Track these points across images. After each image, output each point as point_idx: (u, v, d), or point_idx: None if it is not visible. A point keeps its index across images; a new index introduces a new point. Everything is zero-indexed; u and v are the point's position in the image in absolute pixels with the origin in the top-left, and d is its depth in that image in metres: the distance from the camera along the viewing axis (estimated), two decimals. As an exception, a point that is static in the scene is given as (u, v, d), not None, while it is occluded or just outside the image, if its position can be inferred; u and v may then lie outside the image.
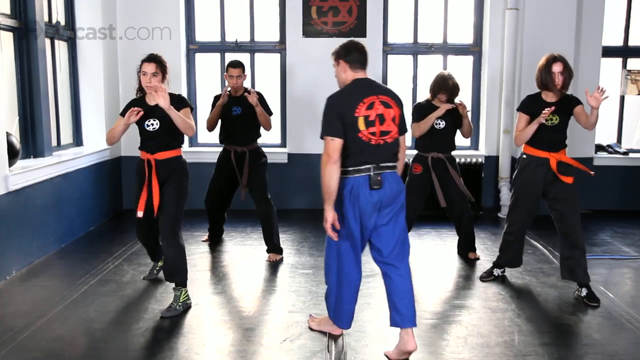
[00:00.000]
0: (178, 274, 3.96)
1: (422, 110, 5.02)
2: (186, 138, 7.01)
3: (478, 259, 5.10)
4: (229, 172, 5.21)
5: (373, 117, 3.21)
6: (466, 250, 5.18)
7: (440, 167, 4.99)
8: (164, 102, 3.73)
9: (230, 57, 7.05)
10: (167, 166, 3.97)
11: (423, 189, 5.04)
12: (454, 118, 5.00)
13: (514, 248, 4.50)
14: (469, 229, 5.12)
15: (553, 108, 4.01)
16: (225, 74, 5.16)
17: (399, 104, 3.37)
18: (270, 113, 5.18)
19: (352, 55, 3.49)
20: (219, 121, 5.23)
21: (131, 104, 4.04)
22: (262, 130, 5.25)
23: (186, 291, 4.00)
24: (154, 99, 3.85)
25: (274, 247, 5.15)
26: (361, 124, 3.18)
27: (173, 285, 4.02)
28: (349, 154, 3.19)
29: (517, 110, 4.33)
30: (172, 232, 3.91)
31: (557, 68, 4.01)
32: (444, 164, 4.97)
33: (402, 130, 3.38)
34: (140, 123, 3.96)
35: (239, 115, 5.12)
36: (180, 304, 3.93)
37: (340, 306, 3.48)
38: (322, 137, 3.20)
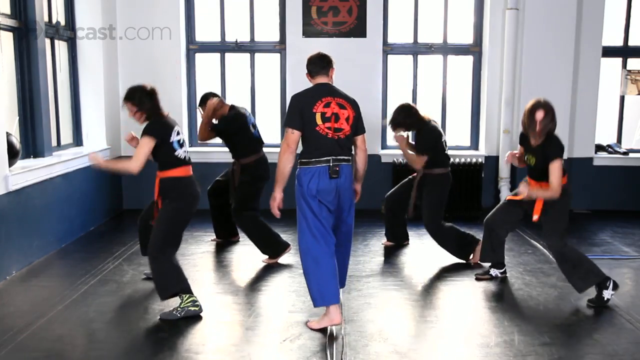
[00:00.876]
0: (158, 289, 3.91)
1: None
2: (187, 138, 7.03)
3: (476, 262, 5.03)
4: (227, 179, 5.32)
5: (329, 114, 3.68)
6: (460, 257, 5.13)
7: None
8: (97, 163, 3.96)
9: (230, 57, 7.10)
10: (160, 185, 3.96)
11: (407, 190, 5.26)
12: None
13: (485, 242, 4.59)
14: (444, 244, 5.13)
15: (516, 153, 4.37)
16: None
17: (355, 107, 3.82)
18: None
19: (312, 65, 3.94)
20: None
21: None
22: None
23: (188, 298, 3.89)
24: None
25: (264, 251, 5.12)
26: (318, 119, 3.66)
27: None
28: (312, 147, 3.68)
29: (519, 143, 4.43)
30: (150, 252, 3.89)
31: (539, 115, 4.02)
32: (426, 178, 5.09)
33: (358, 130, 3.86)
34: None
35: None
36: (179, 309, 3.87)
37: (325, 283, 3.68)
38: (284, 128, 3.71)
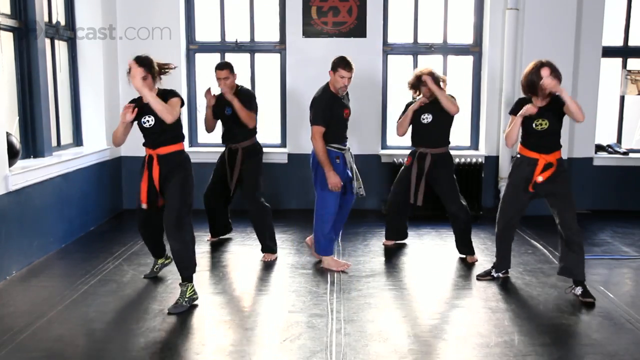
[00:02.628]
0: (183, 268, 4.02)
1: (405, 107, 5.15)
2: (186, 137, 7.03)
3: (476, 260, 5.05)
4: (223, 168, 5.30)
5: None
6: (462, 251, 5.14)
7: (424, 163, 5.00)
8: (135, 83, 3.82)
9: (230, 57, 7.09)
10: (169, 161, 4.01)
11: (408, 181, 5.10)
12: (443, 112, 4.94)
13: (503, 249, 4.55)
14: (461, 232, 5.08)
15: (535, 109, 4.09)
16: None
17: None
18: (251, 109, 5.17)
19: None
20: (220, 122, 5.30)
21: (130, 102, 4.09)
22: (260, 125, 5.36)
23: (192, 286, 4.04)
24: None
25: (266, 247, 5.15)
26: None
27: (176, 283, 4.05)
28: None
29: (508, 113, 4.39)
30: (175, 225, 3.93)
31: (545, 72, 4.02)
32: (430, 159, 4.98)
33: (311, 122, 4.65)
34: (138, 120, 4.04)
35: (231, 115, 5.16)
36: (186, 299, 3.97)
37: (330, 238, 4.84)
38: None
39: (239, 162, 5.16)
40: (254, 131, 5.26)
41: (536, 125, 4.14)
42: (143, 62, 3.93)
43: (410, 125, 5.11)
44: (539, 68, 4.04)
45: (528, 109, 4.09)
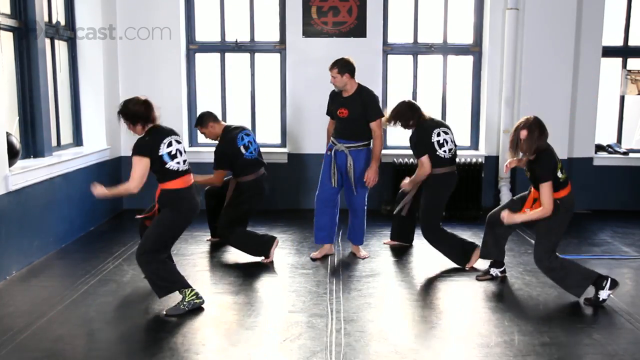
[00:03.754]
0: (154, 288, 3.97)
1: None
2: (186, 137, 7.04)
3: (470, 267, 4.93)
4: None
5: None
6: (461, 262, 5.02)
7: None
8: (97, 194, 3.98)
9: (230, 57, 7.10)
10: (159, 196, 3.98)
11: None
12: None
13: (487, 239, 4.59)
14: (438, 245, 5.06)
15: (506, 168, 4.46)
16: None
17: None
18: (217, 167, 5.15)
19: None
20: None
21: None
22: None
23: (190, 292, 3.96)
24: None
25: (257, 254, 5.10)
26: None
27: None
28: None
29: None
30: (137, 258, 3.94)
31: (522, 134, 4.04)
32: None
33: None
34: None
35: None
36: (184, 303, 3.94)
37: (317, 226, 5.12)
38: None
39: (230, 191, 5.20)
40: (235, 173, 5.18)
41: (524, 171, 4.25)
42: (120, 114, 3.95)
43: None
44: (520, 129, 4.05)
45: (506, 169, 4.50)
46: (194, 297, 3.97)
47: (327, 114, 5.17)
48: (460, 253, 4.92)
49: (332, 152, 5.00)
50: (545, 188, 3.97)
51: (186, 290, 3.96)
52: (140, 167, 3.83)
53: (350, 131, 4.94)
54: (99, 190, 3.97)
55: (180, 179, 3.94)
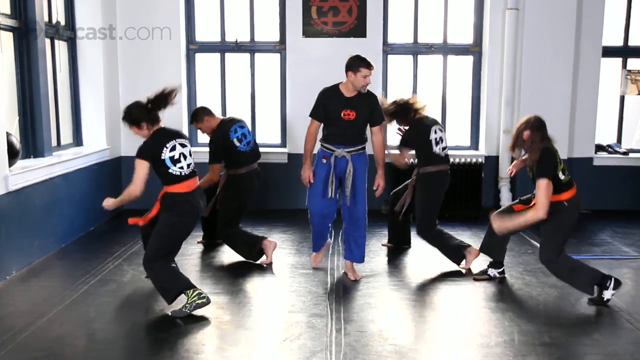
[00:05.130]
0: (162, 294, 3.96)
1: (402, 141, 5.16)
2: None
3: (467, 267, 4.92)
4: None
5: None
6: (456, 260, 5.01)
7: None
8: (107, 205, 4.07)
9: (230, 57, 7.10)
10: (161, 199, 3.99)
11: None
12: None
13: (489, 236, 4.57)
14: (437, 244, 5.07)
15: (511, 171, 4.64)
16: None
17: None
18: (213, 161, 5.12)
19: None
20: None
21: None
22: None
23: (192, 293, 3.92)
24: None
25: (254, 258, 5.07)
26: None
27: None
28: None
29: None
30: (144, 263, 3.96)
31: (525, 135, 4.05)
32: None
33: None
34: None
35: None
36: (187, 306, 3.91)
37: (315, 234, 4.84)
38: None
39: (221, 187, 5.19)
40: (229, 163, 5.17)
41: (528, 171, 4.22)
42: (124, 118, 3.97)
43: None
44: (522, 130, 4.05)
45: (510, 171, 4.65)
46: (195, 297, 3.92)
47: (315, 115, 4.61)
48: (456, 249, 4.92)
49: (330, 159, 4.54)
50: (542, 185, 3.91)
51: (189, 291, 3.94)
52: (141, 170, 3.86)
53: (352, 135, 4.52)
54: (109, 202, 4.02)
55: (183, 183, 3.93)
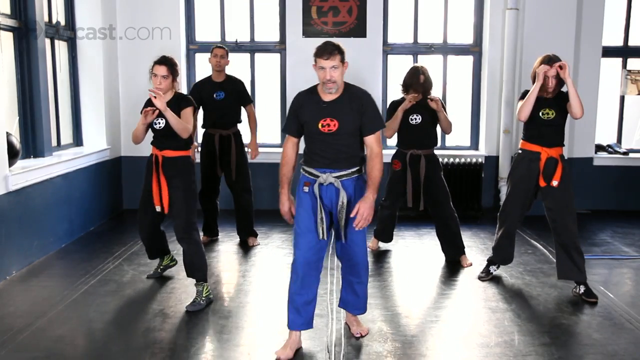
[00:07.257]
0: (197, 270, 4.09)
1: (394, 107, 4.97)
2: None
3: (470, 265, 4.94)
4: (213, 157, 5.38)
5: None
6: (455, 254, 5.03)
7: (418, 166, 4.90)
8: (159, 104, 3.88)
9: (230, 57, 7.07)
10: (173, 164, 4.07)
11: (403, 186, 4.98)
12: (431, 113, 4.87)
13: (505, 244, 4.51)
14: (454, 234, 4.99)
15: (549, 68, 4.06)
16: (210, 55, 5.46)
17: None
18: (249, 102, 5.54)
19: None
20: (201, 107, 5.40)
21: (146, 104, 4.18)
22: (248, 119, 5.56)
23: (208, 286, 4.11)
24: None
25: (252, 232, 5.52)
26: None
27: (176, 283, 4.13)
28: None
29: (519, 100, 4.32)
30: (185, 230, 4.05)
31: (551, 72, 4.04)
32: (424, 161, 4.88)
33: None
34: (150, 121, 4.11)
35: (224, 99, 5.36)
36: (203, 298, 4.03)
37: (295, 303, 3.42)
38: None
39: (234, 150, 5.32)
40: (240, 119, 5.49)
41: (543, 114, 4.12)
42: (168, 62, 4.04)
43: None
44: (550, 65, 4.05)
45: (546, 71, 4.04)
46: (209, 292, 4.12)
47: (287, 129, 3.45)
48: (460, 246, 5.01)
49: (312, 187, 3.29)
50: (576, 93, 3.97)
51: (206, 284, 4.11)
52: (192, 118, 4.16)
53: (337, 153, 3.28)
54: (161, 100, 3.89)
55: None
